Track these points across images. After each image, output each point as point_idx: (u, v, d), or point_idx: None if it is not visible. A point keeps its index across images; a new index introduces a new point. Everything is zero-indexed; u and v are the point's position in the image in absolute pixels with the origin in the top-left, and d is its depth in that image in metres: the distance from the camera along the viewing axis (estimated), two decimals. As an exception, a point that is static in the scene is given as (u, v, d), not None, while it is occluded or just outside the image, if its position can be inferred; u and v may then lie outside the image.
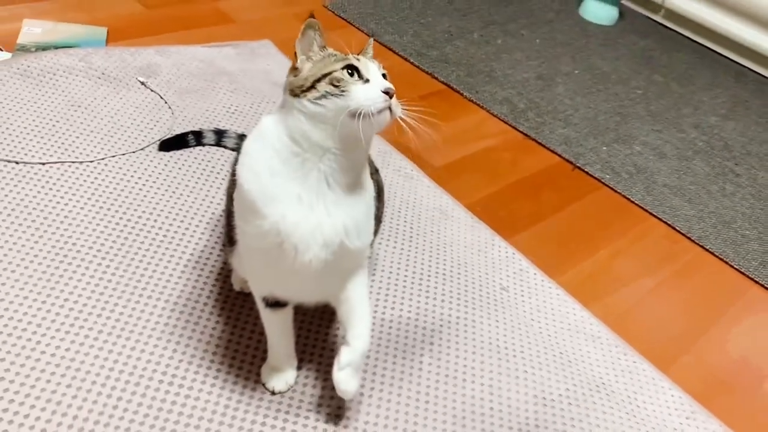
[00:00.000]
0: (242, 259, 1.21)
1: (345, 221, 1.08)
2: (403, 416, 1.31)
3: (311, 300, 1.26)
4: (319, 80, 1.02)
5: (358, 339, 1.15)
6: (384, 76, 1.07)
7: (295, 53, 1.07)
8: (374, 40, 1.18)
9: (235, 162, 1.18)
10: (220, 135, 1.84)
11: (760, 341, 1.72)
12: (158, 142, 1.79)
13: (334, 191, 1.06)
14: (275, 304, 1.21)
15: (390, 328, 1.48)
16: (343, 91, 1.00)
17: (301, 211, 1.05)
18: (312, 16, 1.07)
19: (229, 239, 1.27)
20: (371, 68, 1.05)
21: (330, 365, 1.20)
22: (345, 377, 1.14)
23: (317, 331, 1.43)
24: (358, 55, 1.10)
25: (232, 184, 1.18)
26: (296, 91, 1.03)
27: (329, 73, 1.01)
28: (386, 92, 1.01)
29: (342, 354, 1.14)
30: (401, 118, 1.04)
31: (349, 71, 1.02)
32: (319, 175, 1.05)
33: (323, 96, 1.01)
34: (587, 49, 2.90)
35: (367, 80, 1.03)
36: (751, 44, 3.01)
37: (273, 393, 1.28)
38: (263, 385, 1.29)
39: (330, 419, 1.27)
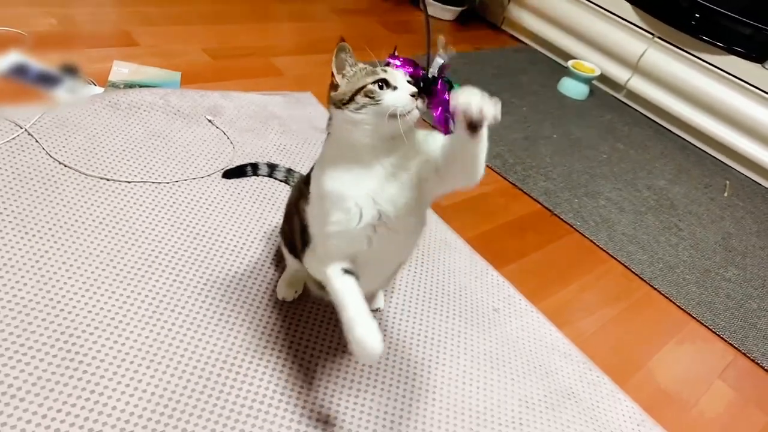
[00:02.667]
0: (320, 249, 1.17)
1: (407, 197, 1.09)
2: (411, 409, 1.32)
3: (388, 253, 1.20)
4: (356, 93, 1.04)
5: None
6: (408, 82, 1.07)
7: (332, 72, 1.08)
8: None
9: (299, 195, 1.20)
10: (272, 168, 1.85)
11: (696, 365, 1.74)
12: (222, 171, 1.80)
13: (392, 178, 1.08)
14: (348, 272, 1.15)
15: (404, 337, 1.50)
16: (377, 100, 1.02)
17: (381, 182, 1.08)
18: (342, 39, 1.08)
19: (303, 243, 1.24)
20: (398, 76, 1.05)
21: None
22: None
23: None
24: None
25: (297, 201, 1.22)
26: (338, 104, 1.06)
27: (363, 87, 1.03)
28: (412, 95, 1.02)
29: None
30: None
31: (380, 84, 1.03)
32: (378, 165, 1.07)
33: (363, 106, 1.03)
34: (564, 118, 2.92)
35: (395, 87, 1.04)
36: (693, 123, 3.06)
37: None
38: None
39: (348, 406, 1.28)
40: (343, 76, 1.08)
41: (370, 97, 1.03)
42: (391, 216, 1.09)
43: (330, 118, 1.12)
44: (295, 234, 1.31)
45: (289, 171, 1.85)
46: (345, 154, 1.10)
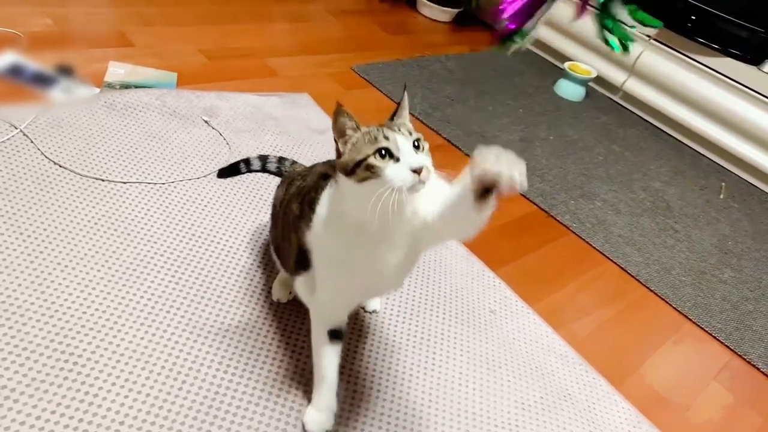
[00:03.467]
0: (323, 288, 1.17)
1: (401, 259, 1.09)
2: (408, 411, 1.32)
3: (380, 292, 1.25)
4: (357, 165, 0.97)
5: None
6: (417, 141, 0.99)
7: (335, 139, 1.03)
8: (400, 103, 1.07)
9: (300, 207, 1.19)
10: (263, 160, 1.85)
11: (692, 367, 1.75)
12: (217, 171, 1.79)
13: (389, 244, 1.06)
14: (335, 335, 1.20)
15: (400, 339, 1.49)
16: (377, 175, 0.95)
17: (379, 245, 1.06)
18: (339, 105, 1.00)
19: (297, 265, 1.21)
20: (401, 144, 0.96)
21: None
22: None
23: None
24: (393, 116, 1.05)
25: (297, 220, 1.19)
26: (343, 173, 1.00)
27: (363, 159, 0.96)
28: (415, 171, 0.94)
29: None
30: None
31: (381, 153, 0.96)
32: (377, 233, 1.04)
33: (364, 179, 0.97)
34: (560, 120, 2.92)
35: (398, 159, 0.96)
36: (689, 125, 3.06)
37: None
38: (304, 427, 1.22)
39: (344, 408, 1.28)
40: (346, 141, 1.01)
41: (370, 171, 0.96)
42: (383, 278, 1.12)
43: (338, 183, 1.07)
44: (288, 250, 1.27)
45: (281, 160, 1.84)
46: (346, 213, 1.05)
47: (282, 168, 1.83)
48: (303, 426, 1.21)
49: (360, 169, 0.97)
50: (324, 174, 1.16)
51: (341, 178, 1.02)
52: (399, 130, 0.99)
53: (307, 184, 1.22)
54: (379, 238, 1.04)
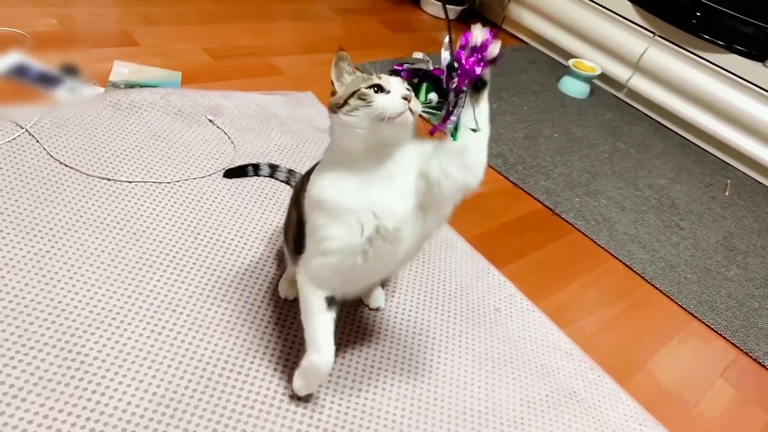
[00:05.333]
0: (314, 263, 1.14)
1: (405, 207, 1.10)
2: (413, 409, 1.32)
3: (383, 266, 1.21)
4: (350, 97, 1.04)
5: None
6: (408, 90, 1.06)
7: (332, 80, 1.11)
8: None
9: (301, 187, 1.20)
10: (273, 168, 1.85)
11: (698, 364, 1.75)
12: (223, 171, 1.80)
13: (390, 185, 1.08)
14: (330, 302, 1.17)
15: (405, 337, 1.50)
16: (369, 102, 1.02)
17: (380, 191, 1.08)
18: (341, 49, 1.10)
19: (296, 244, 1.21)
20: (393, 82, 1.06)
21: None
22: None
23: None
24: None
25: (298, 193, 1.21)
26: (334, 108, 1.07)
27: (357, 90, 1.04)
28: (404, 98, 1.02)
29: None
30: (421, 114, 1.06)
31: (375, 89, 1.04)
32: (375, 173, 1.08)
33: (354, 108, 1.03)
34: (564, 117, 2.92)
35: (389, 92, 1.04)
36: (694, 122, 3.05)
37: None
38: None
39: (350, 406, 1.28)
40: (342, 84, 1.10)
41: (362, 99, 1.03)
42: (389, 228, 1.09)
43: (330, 126, 1.13)
44: (289, 230, 1.30)
45: (291, 172, 1.85)
46: (342, 161, 1.10)
47: (291, 179, 1.83)
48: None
49: (353, 98, 1.04)
50: None
51: (333, 116, 1.08)
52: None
53: (311, 168, 1.25)
54: (377, 174, 1.08)
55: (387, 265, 1.22)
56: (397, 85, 1.05)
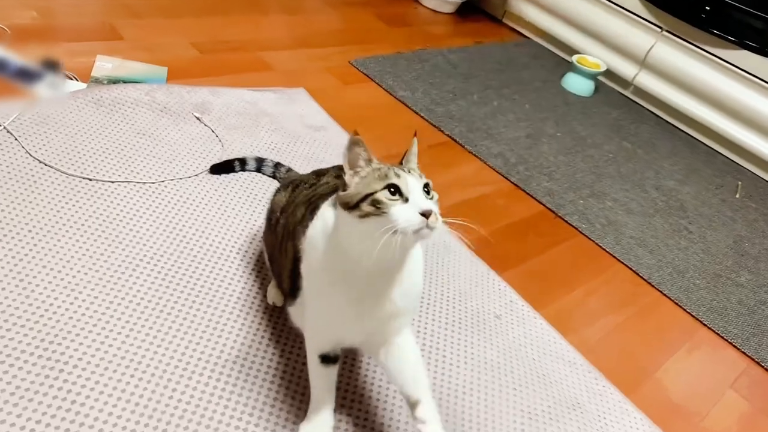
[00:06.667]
0: (310, 315, 1.17)
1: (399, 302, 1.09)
2: (409, 421, 1.31)
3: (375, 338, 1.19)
4: (363, 200, 0.96)
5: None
6: (427, 186, 0.98)
7: (343, 167, 1.02)
8: (408, 149, 1.08)
9: (300, 220, 1.21)
10: (260, 162, 1.86)
11: (707, 374, 1.75)
12: (209, 167, 1.80)
13: (380, 294, 1.07)
14: (327, 359, 1.19)
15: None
16: (383, 212, 0.94)
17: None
18: (356, 133, 1.01)
19: (291, 283, 1.21)
20: (411, 184, 0.96)
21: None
22: None
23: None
24: (402, 161, 1.06)
25: (296, 226, 1.20)
26: (344, 207, 0.99)
27: (371, 194, 0.95)
28: (423, 214, 0.93)
29: None
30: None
31: (391, 190, 0.95)
32: (368, 279, 1.05)
33: (366, 215, 0.95)
34: (568, 115, 2.92)
35: (407, 199, 0.95)
36: (704, 120, 3.06)
37: None
38: None
39: (343, 418, 1.28)
40: (355, 173, 1.01)
41: (376, 207, 0.94)
42: (368, 327, 1.12)
43: (335, 220, 1.06)
44: (283, 262, 1.26)
45: (277, 165, 1.85)
46: (341, 267, 1.04)
47: (277, 174, 1.84)
48: None
49: (365, 204, 0.96)
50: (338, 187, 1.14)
51: (340, 212, 1.01)
52: (409, 171, 1.00)
53: (318, 193, 1.23)
54: (369, 285, 1.05)
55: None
56: (417, 190, 0.96)
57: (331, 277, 1.07)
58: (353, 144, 1.01)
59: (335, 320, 1.12)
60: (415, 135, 1.11)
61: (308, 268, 1.13)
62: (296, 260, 1.18)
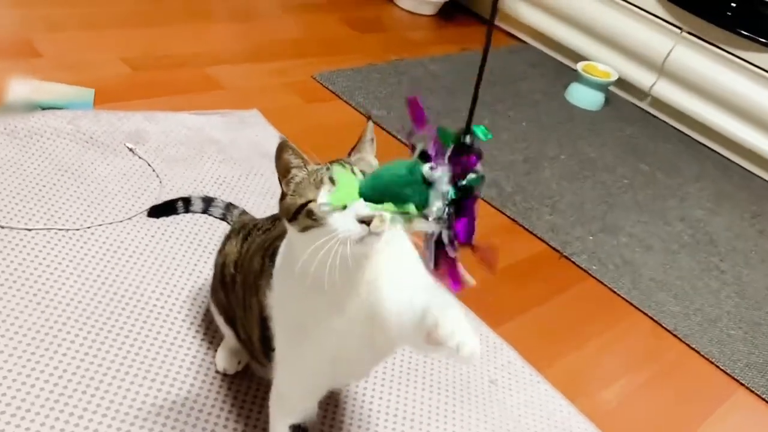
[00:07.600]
0: (279, 370, 1.19)
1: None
2: None
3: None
4: (298, 211, 0.99)
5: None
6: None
7: (279, 178, 1.06)
8: (361, 135, 1.10)
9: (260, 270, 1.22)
10: (207, 203, 1.87)
11: (745, 443, 1.75)
12: (147, 209, 1.81)
13: (343, 312, 1.07)
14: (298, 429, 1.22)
15: (377, 417, 1.50)
16: (319, 223, 0.96)
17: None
18: (283, 139, 1.05)
19: (264, 345, 1.23)
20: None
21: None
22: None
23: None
24: (350, 153, 1.07)
25: (257, 277, 1.22)
26: (286, 219, 1.03)
27: (305, 204, 0.98)
28: (363, 221, 0.93)
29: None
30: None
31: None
32: (331, 294, 1.04)
33: (306, 227, 0.98)
34: (573, 133, 2.95)
35: (345, 206, 0.95)
36: (735, 137, 3.08)
37: None
38: None
39: None
40: (289, 181, 1.05)
41: (312, 218, 0.97)
42: (343, 357, 1.12)
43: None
44: (250, 321, 1.28)
45: (228, 206, 1.86)
46: (299, 274, 1.04)
47: (228, 216, 1.85)
48: None
49: (301, 216, 0.99)
50: None
51: (287, 223, 1.04)
52: (352, 170, 1.00)
53: (273, 235, 1.25)
54: (333, 302, 1.05)
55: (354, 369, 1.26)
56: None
57: (308, 303, 1.08)
58: (280, 151, 1.04)
59: (307, 354, 1.12)
60: (369, 118, 1.13)
61: (280, 301, 1.14)
62: (264, 319, 1.19)
